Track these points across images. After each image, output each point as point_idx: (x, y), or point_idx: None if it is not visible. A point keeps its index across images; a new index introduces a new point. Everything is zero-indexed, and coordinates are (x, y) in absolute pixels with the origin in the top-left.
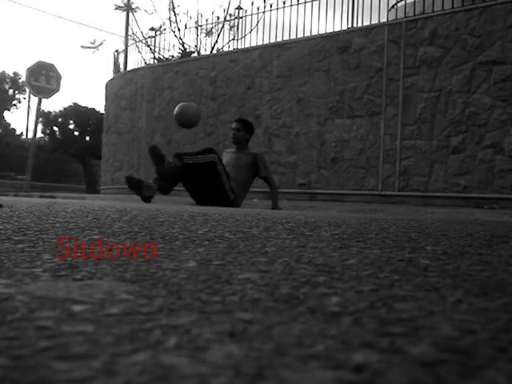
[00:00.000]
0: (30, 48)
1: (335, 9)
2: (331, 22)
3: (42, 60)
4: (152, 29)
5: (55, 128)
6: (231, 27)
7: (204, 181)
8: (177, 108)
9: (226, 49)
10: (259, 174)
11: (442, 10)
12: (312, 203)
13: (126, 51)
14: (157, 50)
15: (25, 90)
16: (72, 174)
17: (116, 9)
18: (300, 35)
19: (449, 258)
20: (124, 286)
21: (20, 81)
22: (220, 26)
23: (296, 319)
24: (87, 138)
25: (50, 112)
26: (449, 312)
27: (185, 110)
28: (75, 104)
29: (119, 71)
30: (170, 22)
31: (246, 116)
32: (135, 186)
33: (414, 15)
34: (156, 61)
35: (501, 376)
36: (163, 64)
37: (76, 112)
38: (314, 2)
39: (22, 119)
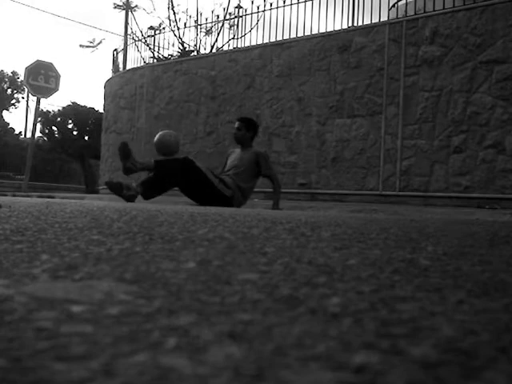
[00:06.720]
0: (28, 47)
1: (336, 8)
2: (331, 20)
3: (40, 59)
4: (151, 28)
5: (54, 128)
6: (231, 26)
7: (190, 180)
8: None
9: (225, 48)
10: (262, 171)
11: (443, 8)
12: (312, 203)
13: (125, 50)
14: (156, 49)
15: (23, 90)
16: (71, 174)
17: (115, 7)
18: (300, 34)
19: (450, 259)
20: (123, 286)
21: (19, 80)
22: (220, 24)
23: (296, 320)
24: (86, 138)
25: (48, 111)
26: (450, 313)
27: (165, 137)
28: (74, 103)
29: (118, 70)
30: (170, 20)
31: (245, 116)
32: (115, 188)
33: (415, 14)
34: (155, 60)
35: (502, 377)
36: (162, 63)
37: (75, 111)
38: (314, 1)
39: (20, 119)
